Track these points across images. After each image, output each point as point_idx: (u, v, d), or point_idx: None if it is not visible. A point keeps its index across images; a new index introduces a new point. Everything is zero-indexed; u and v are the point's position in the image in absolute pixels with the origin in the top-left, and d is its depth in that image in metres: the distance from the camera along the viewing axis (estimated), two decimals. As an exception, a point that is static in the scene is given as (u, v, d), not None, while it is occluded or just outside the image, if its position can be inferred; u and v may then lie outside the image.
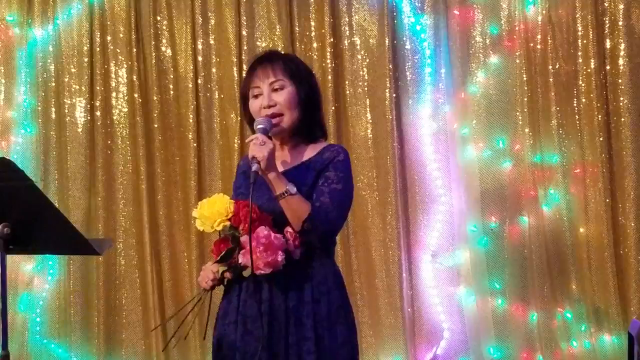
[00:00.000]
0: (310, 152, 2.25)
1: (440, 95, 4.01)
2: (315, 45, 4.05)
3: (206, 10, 4.09)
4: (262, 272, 2.04)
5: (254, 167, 2.05)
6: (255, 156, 2.05)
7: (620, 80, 3.91)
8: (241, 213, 2.07)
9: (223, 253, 2.11)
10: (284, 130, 2.22)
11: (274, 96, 2.20)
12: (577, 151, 3.95)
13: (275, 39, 4.05)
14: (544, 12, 3.95)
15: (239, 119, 4.02)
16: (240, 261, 2.08)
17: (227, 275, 2.13)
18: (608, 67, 3.94)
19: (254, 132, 2.21)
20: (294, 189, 2.08)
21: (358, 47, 4.06)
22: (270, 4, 4.06)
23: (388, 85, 3.98)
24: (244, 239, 2.06)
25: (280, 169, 2.20)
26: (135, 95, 4.10)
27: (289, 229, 2.10)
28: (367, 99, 4.04)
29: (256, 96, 2.23)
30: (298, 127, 2.24)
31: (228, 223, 2.10)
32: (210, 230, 2.12)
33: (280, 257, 2.04)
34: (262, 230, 2.05)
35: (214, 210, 2.10)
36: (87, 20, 4.12)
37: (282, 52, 2.50)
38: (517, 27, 3.97)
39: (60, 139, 4.14)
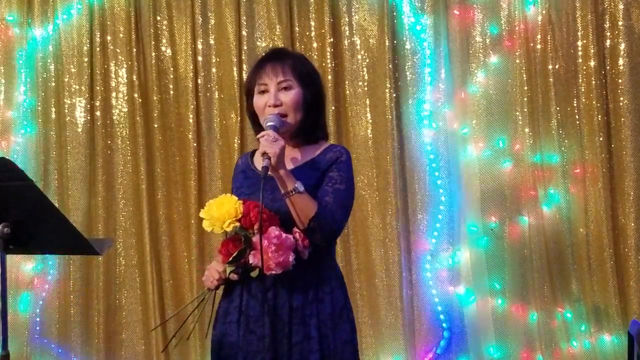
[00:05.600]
0: (311, 152, 2.24)
1: (440, 95, 4.01)
2: (315, 45, 4.05)
3: (206, 10, 4.09)
4: (274, 272, 2.04)
5: (265, 163, 2.03)
6: (266, 152, 2.03)
7: (620, 80, 3.92)
8: (252, 214, 2.05)
9: (235, 254, 2.09)
10: (288, 130, 2.21)
11: (280, 96, 2.18)
12: (577, 151, 3.95)
13: (275, 39, 4.05)
14: (544, 12, 3.96)
15: (239, 119, 4.02)
16: (251, 261, 2.07)
17: (234, 276, 2.13)
18: (608, 67, 3.94)
19: (255, 128, 2.24)
20: (302, 187, 2.07)
21: (358, 47, 4.06)
22: (270, 4, 4.06)
23: (388, 85, 3.98)
24: (256, 239, 2.04)
25: None
26: (135, 95, 4.10)
27: (297, 230, 2.09)
28: (367, 99, 4.04)
29: (262, 92, 2.21)
30: (301, 128, 2.23)
31: (238, 224, 2.08)
32: (220, 231, 2.09)
33: (291, 257, 2.04)
34: (274, 231, 2.04)
35: (223, 211, 2.07)
36: (87, 20, 4.12)
37: (292, 51, 2.48)
38: (517, 27, 3.97)
39: (60, 139, 4.14)
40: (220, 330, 2.22)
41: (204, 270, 2.23)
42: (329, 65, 3.99)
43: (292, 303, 2.13)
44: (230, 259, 2.11)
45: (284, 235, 2.04)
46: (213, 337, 2.25)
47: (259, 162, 2.20)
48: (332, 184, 2.15)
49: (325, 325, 2.14)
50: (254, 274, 2.08)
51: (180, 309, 2.36)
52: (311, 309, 2.13)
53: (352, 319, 2.24)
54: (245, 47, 4.05)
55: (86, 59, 4.12)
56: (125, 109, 4.13)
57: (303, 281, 2.14)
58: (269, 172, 2.05)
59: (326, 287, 2.17)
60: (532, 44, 3.97)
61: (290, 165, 2.20)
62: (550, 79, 3.96)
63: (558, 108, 3.96)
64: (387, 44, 3.98)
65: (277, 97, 2.18)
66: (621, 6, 3.92)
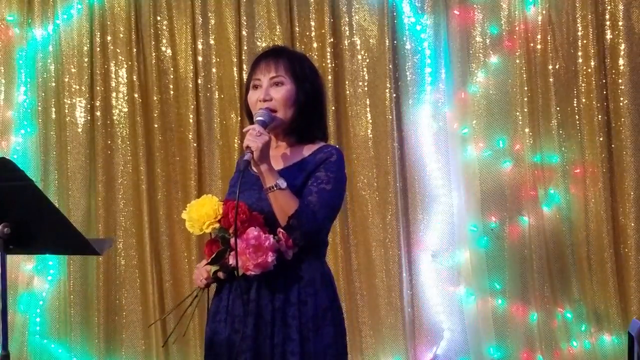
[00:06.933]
0: (305, 152, 2.24)
1: (440, 95, 4.01)
2: (315, 45, 4.05)
3: (206, 10, 4.09)
4: (252, 273, 2.04)
5: (246, 156, 2.04)
6: (249, 146, 2.05)
7: (620, 80, 3.92)
8: (230, 214, 2.05)
9: (214, 255, 2.11)
10: (277, 126, 2.20)
11: (271, 91, 2.19)
12: (577, 151, 3.95)
13: (275, 39, 4.05)
14: (544, 12, 3.96)
15: (239, 119, 4.03)
16: (230, 262, 2.07)
17: (220, 275, 2.13)
18: (608, 67, 3.94)
19: (251, 123, 2.22)
20: (284, 184, 2.07)
21: (358, 47, 4.06)
22: (270, 4, 4.06)
23: (388, 85, 3.98)
24: (233, 240, 2.04)
25: (274, 167, 2.19)
26: (135, 95, 4.10)
27: (281, 230, 2.08)
28: (367, 99, 4.04)
29: (255, 87, 2.23)
30: (293, 126, 2.23)
31: (217, 225, 2.08)
32: (199, 232, 2.10)
33: (270, 257, 2.02)
34: (252, 231, 2.03)
35: (202, 213, 2.08)
36: (87, 20, 4.12)
37: (291, 50, 2.48)
38: (517, 27, 3.97)
39: (60, 139, 4.14)
40: (211, 328, 2.23)
41: None
42: (329, 65, 4.00)
43: (274, 303, 2.12)
44: (210, 259, 2.12)
45: (263, 235, 2.03)
46: (205, 335, 2.26)
47: None
48: (318, 184, 2.14)
49: (307, 328, 2.12)
50: (239, 272, 2.07)
51: (175, 306, 2.36)
52: (293, 311, 2.12)
53: (338, 322, 2.20)
54: (245, 47, 4.05)
55: (86, 59, 4.12)
56: (125, 109, 4.13)
57: (285, 282, 2.13)
58: (252, 167, 2.07)
59: (310, 289, 2.15)
60: (532, 44, 3.97)
61: (279, 164, 2.20)
62: (550, 79, 3.96)
63: (558, 108, 3.96)
64: (387, 44, 3.98)
65: (267, 92, 2.19)
66: (621, 6, 3.92)
